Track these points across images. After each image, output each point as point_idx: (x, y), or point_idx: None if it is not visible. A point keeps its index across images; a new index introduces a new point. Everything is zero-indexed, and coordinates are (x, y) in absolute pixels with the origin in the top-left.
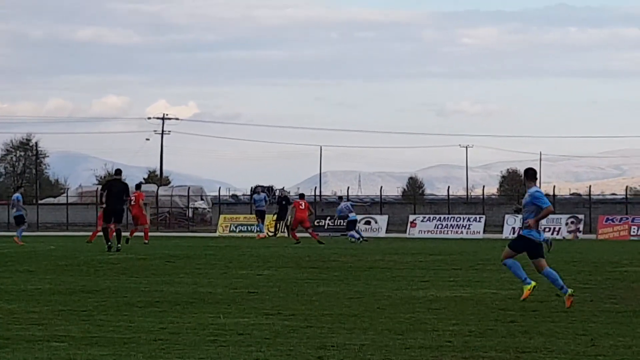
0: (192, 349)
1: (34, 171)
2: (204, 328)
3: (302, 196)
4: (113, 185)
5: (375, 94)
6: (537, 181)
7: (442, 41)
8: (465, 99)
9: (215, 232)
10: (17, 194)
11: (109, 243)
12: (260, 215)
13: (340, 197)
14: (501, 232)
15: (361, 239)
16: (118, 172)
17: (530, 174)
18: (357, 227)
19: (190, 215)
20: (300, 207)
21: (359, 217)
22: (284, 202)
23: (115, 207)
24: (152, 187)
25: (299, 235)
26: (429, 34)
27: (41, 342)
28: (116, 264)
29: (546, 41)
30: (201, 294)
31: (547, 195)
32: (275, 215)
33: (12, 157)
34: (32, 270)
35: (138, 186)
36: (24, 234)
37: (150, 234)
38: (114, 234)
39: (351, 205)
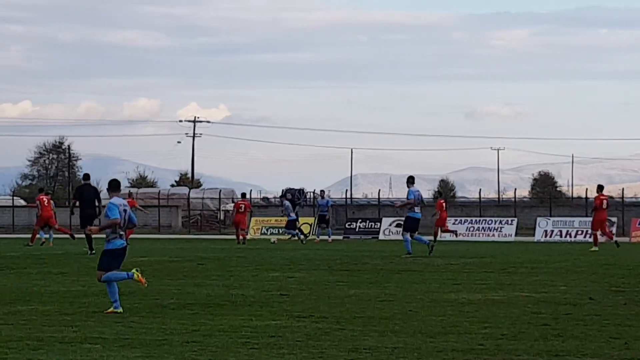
0: (224, 352)
1: (66, 174)
2: (235, 330)
3: (243, 195)
4: (84, 191)
5: (405, 97)
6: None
7: (472, 43)
8: (496, 101)
9: (247, 235)
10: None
11: (92, 249)
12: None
13: (283, 196)
14: (533, 234)
15: (303, 240)
16: (87, 177)
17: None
18: (297, 226)
19: (222, 217)
20: (240, 209)
21: (391, 220)
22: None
23: (87, 211)
24: (183, 190)
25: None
26: (459, 36)
27: (74, 344)
28: (148, 266)
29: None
30: (233, 296)
31: (579, 197)
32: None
33: (45, 160)
34: (65, 273)
35: (130, 194)
36: (54, 236)
37: (182, 236)
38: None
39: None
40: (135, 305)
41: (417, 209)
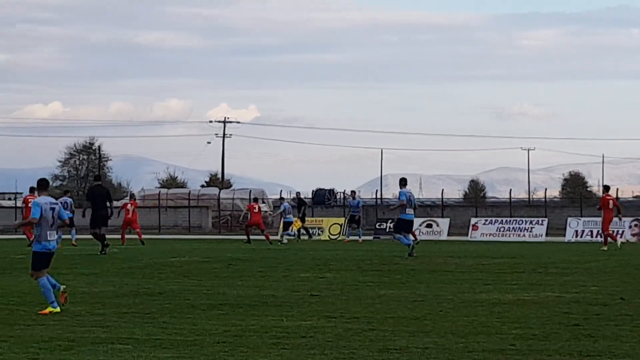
0: (255, 352)
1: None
2: (266, 331)
3: (255, 200)
4: (95, 191)
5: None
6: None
7: (502, 43)
8: (526, 101)
9: (277, 235)
10: (64, 197)
11: (105, 247)
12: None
13: (282, 198)
14: (564, 235)
15: (297, 239)
16: (98, 178)
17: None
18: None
19: None
20: (254, 210)
21: (421, 220)
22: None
23: (100, 212)
24: (213, 191)
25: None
26: (489, 36)
27: (105, 344)
28: (179, 266)
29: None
30: (263, 296)
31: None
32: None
33: (75, 161)
34: (96, 273)
35: (132, 196)
36: (77, 236)
37: (212, 237)
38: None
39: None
40: (166, 305)
41: (409, 210)
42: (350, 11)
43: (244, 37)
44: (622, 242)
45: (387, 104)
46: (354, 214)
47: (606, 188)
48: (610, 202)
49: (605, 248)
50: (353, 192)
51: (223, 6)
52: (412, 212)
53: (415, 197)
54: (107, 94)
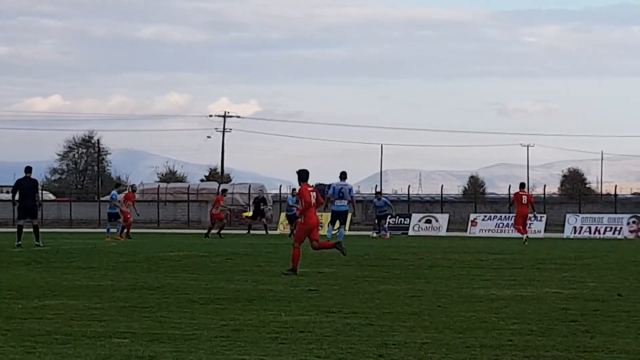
0: (253, 346)
1: (96, 168)
2: (265, 325)
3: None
4: (23, 183)
5: (436, 93)
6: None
7: (504, 40)
8: (527, 97)
9: (276, 229)
10: (114, 192)
11: (20, 242)
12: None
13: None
14: (562, 231)
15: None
16: (28, 169)
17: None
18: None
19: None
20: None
21: (420, 215)
22: (261, 204)
23: (26, 203)
24: (213, 185)
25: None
26: (491, 33)
27: (103, 338)
28: (177, 261)
29: (609, 40)
30: (262, 291)
31: (608, 194)
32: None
33: (74, 154)
34: (94, 267)
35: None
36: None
37: (212, 231)
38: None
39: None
40: (165, 299)
41: (338, 202)
42: (351, 7)
43: (245, 31)
44: (527, 239)
45: (387, 100)
46: (382, 214)
47: (521, 185)
48: (524, 197)
49: (525, 240)
50: (378, 193)
51: (225, 0)
52: (343, 203)
53: (415, 192)
54: (108, 88)
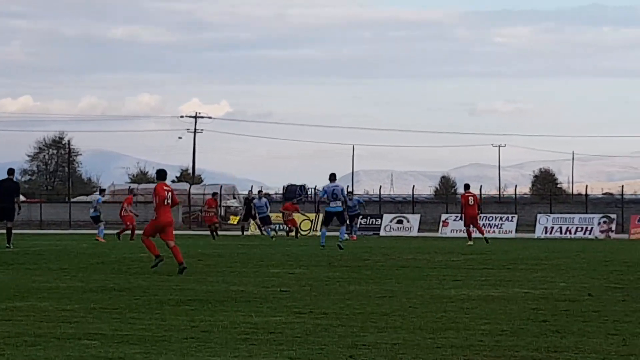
0: (224, 348)
1: (66, 169)
2: (235, 326)
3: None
4: (3, 184)
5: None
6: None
7: (475, 40)
8: (498, 98)
9: (247, 230)
10: (99, 197)
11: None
12: (266, 221)
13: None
14: (533, 231)
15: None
16: (10, 171)
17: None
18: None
19: (223, 214)
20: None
21: (392, 216)
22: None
23: (5, 205)
24: (184, 186)
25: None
26: (462, 33)
27: (72, 340)
28: (148, 262)
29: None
30: (233, 292)
31: (579, 194)
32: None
33: (45, 156)
34: (64, 268)
35: (131, 190)
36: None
37: (182, 232)
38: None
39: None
40: (135, 301)
41: (332, 204)
42: (323, 7)
43: (216, 32)
44: (470, 244)
45: (359, 100)
46: (353, 214)
47: (466, 186)
48: (471, 198)
49: (471, 243)
50: (350, 192)
51: (196, 1)
52: (338, 204)
53: (387, 193)
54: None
